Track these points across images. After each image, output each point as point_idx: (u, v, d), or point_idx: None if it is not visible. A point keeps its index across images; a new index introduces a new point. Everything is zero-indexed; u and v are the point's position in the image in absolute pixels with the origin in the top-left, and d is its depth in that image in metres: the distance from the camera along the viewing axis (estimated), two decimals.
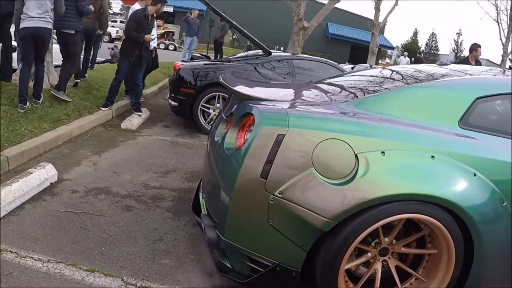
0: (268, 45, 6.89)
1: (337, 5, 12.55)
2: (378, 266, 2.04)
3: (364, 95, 2.33)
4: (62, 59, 5.49)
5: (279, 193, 1.85)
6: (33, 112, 4.53)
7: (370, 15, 18.69)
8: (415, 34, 57.51)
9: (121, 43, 6.41)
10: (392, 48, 41.90)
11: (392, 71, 2.77)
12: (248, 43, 7.16)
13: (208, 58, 7.30)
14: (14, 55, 5.61)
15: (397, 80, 2.46)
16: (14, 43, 5.46)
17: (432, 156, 1.91)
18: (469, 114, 2.13)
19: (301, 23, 10.58)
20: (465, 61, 6.84)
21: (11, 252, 2.32)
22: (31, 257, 2.30)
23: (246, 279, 2.02)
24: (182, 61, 7.88)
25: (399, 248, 2.05)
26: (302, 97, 2.47)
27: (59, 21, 5.07)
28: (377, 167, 1.85)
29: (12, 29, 5.19)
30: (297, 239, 1.88)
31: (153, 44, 6.56)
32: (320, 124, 1.95)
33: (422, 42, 64.33)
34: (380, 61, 36.96)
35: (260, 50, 6.21)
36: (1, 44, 5.09)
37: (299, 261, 1.91)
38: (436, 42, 57.19)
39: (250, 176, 1.88)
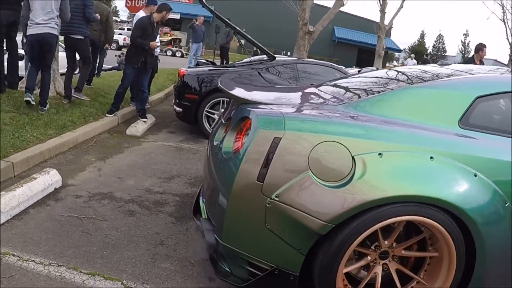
0: (275, 51, 6.93)
1: (343, 9, 12.56)
2: (378, 270, 2.02)
3: (362, 97, 2.32)
4: (67, 65, 5.59)
5: (276, 196, 1.84)
6: (39, 119, 4.59)
7: (376, 18, 18.60)
8: (422, 36, 57.24)
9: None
10: (399, 50, 41.73)
11: (390, 72, 2.76)
12: (255, 49, 7.19)
13: (213, 64, 7.35)
14: (21, 63, 5.72)
15: (395, 81, 2.45)
16: (21, 51, 5.57)
17: (431, 157, 1.89)
18: (469, 114, 2.10)
19: (306, 28, 10.60)
20: (470, 61, 6.82)
21: (13, 255, 2.36)
22: (33, 260, 2.33)
23: (245, 283, 2.01)
24: (188, 67, 7.93)
25: (400, 251, 2.02)
26: (300, 100, 2.47)
27: (67, 27, 5.26)
28: (374, 169, 1.83)
29: (19, 37, 5.30)
30: (294, 242, 1.87)
31: (157, 50, 6.62)
32: (316, 126, 1.94)
33: (429, 43, 63.86)
34: (387, 64, 36.79)
35: (265, 55, 6.24)
36: (7, 52, 5.18)
37: (297, 264, 1.89)
38: (443, 43, 56.85)
39: (247, 180, 1.88)
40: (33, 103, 4.74)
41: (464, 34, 65.68)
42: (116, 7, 49.40)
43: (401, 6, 18.11)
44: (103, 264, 2.38)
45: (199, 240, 2.74)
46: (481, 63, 6.57)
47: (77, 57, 5.80)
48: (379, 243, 1.98)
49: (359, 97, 2.34)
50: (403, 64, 34.44)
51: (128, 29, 30.51)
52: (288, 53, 23.97)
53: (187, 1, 36.13)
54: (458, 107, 2.12)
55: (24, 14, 4.66)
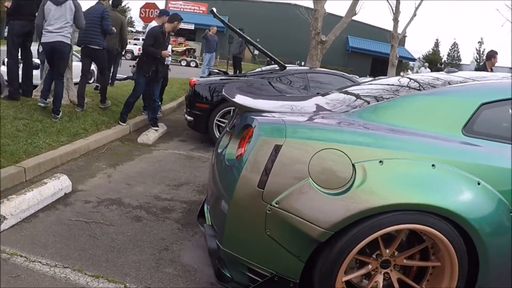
0: (289, 61, 6.98)
1: (357, 18, 12.55)
2: (380, 279, 2.01)
3: (365, 105, 2.32)
4: (81, 74, 5.73)
5: (276, 203, 1.85)
6: (52, 126, 4.70)
7: (390, 27, 18.50)
8: (437, 44, 56.39)
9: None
10: (414, 59, 41.30)
11: (394, 80, 2.76)
12: (268, 59, 7.25)
13: (225, 73, 7.42)
14: (36, 72, 5.89)
15: (398, 89, 2.45)
16: (36, 61, 5.74)
17: (433, 165, 1.88)
18: (474, 121, 2.07)
19: (318, 37, 10.61)
20: (483, 68, 6.80)
21: (21, 256, 2.43)
22: (40, 262, 2.40)
23: None
24: (201, 77, 8.03)
25: (401, 260, 2.01)
26: (303, 108, 2.49)
27: (86, 38, 5.56)
28: (375, 177, 1.83)
29: (34, 47, 5.47)
30: (294, 249, 1.87)
31: (168, 59, 6.74)
32: (317, 134, 1.95)
33: (444, 52, 63.01)
34: (402, 73, 36.51)
35: (276, 65, 6.29)
36: (22, 61, 5.35)
37: (297, 271, 1.90)
38: (458, 51, 55.85)
39: (248, 186, 1.90)
40: (43, 106, 4.94)
41: (478, 42, 64.75)
42: (131, 17, 50.42)
43: (414, 15, 18.01)
44: (107, 267, 2.42)
45: (204, 246, 2.76)
46: (491, 70, 6.52)
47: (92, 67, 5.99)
48: (380, 252, 1.97)
49: (362, 105, 2.34)
50: (417, 73, 34.07)
51: (143, 39, 31.08)
52: (302, 63, 24.05)
53: (202, 12, 36.70)
54: (462, 114, 2.09)
55: (38, 23, 4.82)
